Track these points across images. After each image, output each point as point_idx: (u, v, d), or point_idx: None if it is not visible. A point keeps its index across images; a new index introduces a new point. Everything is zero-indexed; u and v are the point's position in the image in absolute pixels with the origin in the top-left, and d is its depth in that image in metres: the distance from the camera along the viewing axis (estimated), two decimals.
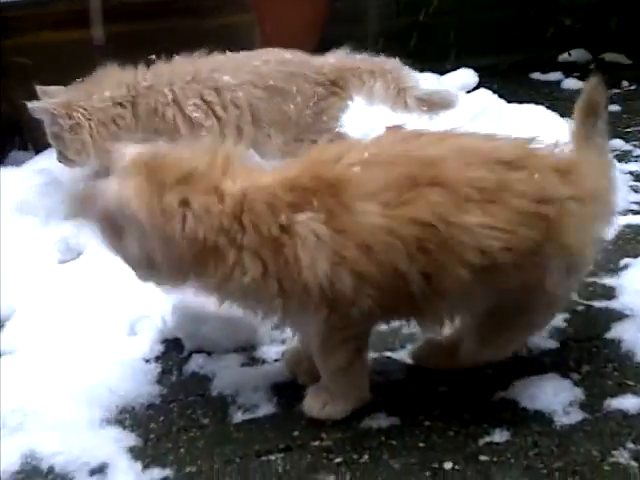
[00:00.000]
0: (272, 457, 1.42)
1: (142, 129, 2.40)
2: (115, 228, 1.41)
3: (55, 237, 2.33)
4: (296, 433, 1.47)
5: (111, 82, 2.41)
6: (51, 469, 1.42)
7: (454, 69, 3.44)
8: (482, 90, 3.07)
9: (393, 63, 2.47)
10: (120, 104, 2.40)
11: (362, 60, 2.48)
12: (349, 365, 1.47)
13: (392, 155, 1.41)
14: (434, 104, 2.43)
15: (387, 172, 1.38)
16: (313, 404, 1.50)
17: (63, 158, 2.45)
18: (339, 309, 1.38)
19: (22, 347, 1.81)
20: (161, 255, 1.39)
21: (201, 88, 2.40)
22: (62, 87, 2.45)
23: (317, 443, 1.45)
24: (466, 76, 3.30)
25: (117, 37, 2.73)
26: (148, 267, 1.42)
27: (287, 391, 1.59)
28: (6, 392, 1.59)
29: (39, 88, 2.44)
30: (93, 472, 1.41)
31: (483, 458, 1.38)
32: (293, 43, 2.61)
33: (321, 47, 2.73)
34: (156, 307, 1.84)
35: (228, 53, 2.50)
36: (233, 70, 2.45)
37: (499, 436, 1.43)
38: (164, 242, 1.38)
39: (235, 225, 1.39)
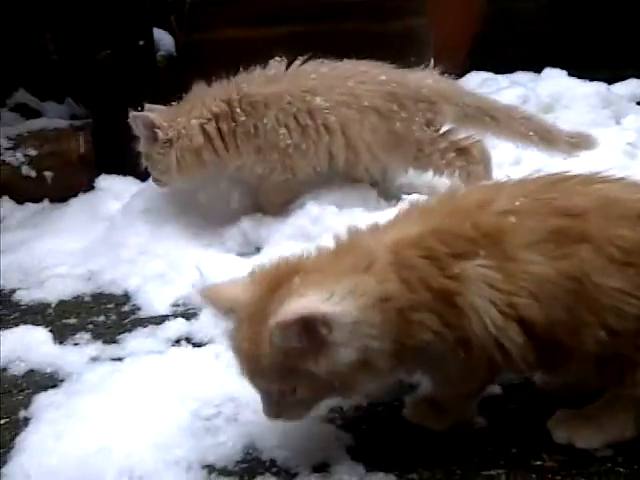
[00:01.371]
0: (493, 472, 1.42)
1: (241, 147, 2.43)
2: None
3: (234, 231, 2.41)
4: (514, 450, 1.46)
5: (209, 101, 2.42)
6: (273, 462, 1.45)
7: (617, 78, 3.33)
8: None
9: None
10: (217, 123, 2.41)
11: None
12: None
13: (540, 203, 1.38)
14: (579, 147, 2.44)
15: (540, 223, 1.35)
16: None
17: (153, 178, 2.49)
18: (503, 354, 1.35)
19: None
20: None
21: (296, 111, 2.41)
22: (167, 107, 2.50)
23: (539, 463, 1.43)
24: (637, 86, 3.20)
25: (291, 37, 2.78)
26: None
27: (496, 405, 1.58)
28: (220, 380, 1.63)
29: (147, 106, 2.51)
30: (316, 469, 1.43)
31: None
32: (458, 46, 2.60)
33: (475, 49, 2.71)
34: None
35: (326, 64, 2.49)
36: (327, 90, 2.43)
37: None
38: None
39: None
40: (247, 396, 1.59)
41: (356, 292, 1.27)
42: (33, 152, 2.91)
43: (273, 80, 2.45)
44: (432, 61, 2.68)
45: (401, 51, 2.55)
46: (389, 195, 2.55)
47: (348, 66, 2.49)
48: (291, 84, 2.43)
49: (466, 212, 1.39)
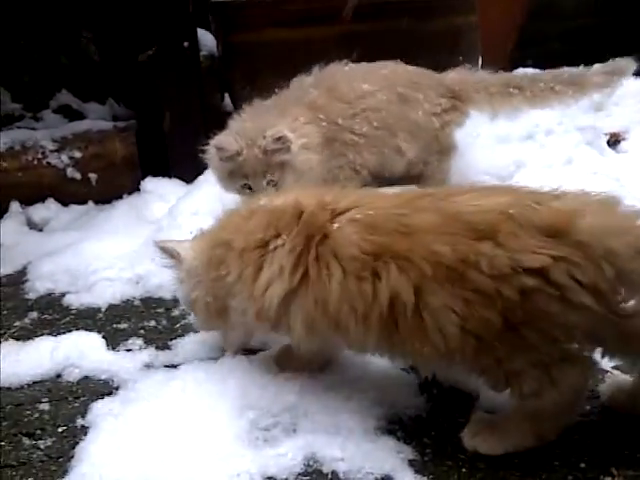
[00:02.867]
0: None
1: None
2: None
3: None
4: (583, 465, 1.42)
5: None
6: (335, 474, 1.42)
7: None
8: None
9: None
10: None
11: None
12: None
13: (387, 218, 1.43)
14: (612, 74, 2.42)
15: (363, 239, 1.41)
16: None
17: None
18: None
19: None
20: None
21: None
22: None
23: (608, 478, 1.39)
24: None
25: (338, 37, 2.75)
26: None
27: None
28: (277, 390, 1.61)
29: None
30: None
31: None
32: (504, 40, 2.55)
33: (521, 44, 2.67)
34: None
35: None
36: (367, 78, 2.44)
37: None
38: None
39: None
40: (305, 406, 1.58)
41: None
42: (78, 154, 2.91)
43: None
44: (480, 59, 2.63)
45: (449, 50, 2.50)
46: None
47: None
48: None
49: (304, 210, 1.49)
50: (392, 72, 2.45)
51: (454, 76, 2.50)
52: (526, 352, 1.34)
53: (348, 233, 1.42)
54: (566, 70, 2.43)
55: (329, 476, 1.42)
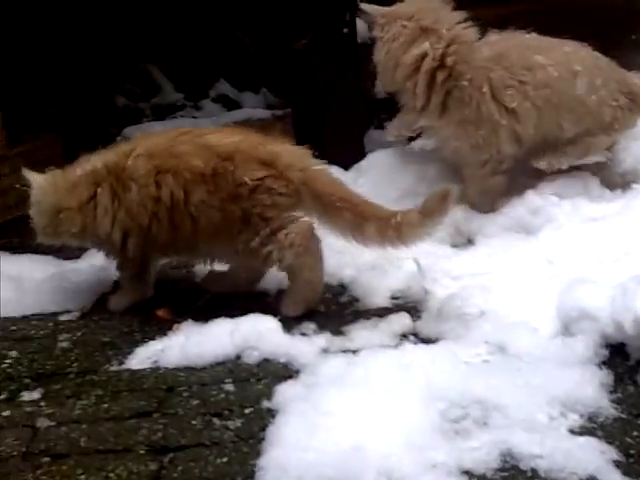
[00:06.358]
0: None
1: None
2: None
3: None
4: None
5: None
6: (535, 472, 1.36)
7: None
8: None
9: None
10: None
11: None
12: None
13: (161, 150, 2.10)
14: None
15: (148, 163, 2.09)
16: None
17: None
18: None
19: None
20: None
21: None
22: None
23: None
24: None
25: (510, 17, 2.64)
26: None
27: None
28: (462, 380, 1.57)
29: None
30: None
31: None
32: None
33: None
34: (596, 307, 1.73)
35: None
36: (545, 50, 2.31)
37: None
38: None
39: None
40: (494, 399, 1.53)
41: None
42: None
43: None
44: None
45: (624, 28, 2.36)
46: (612, 183, 2.37)
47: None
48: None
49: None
50: (574, 51, 2.32)
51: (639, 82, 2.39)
52: (258, 232, 2.01)
53: (136, 163, 2.08)
54: None
55: (528, 473, 1.36)
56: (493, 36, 2.35)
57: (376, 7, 2.46)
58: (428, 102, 2.35)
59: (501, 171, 2.34)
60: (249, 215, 2.02)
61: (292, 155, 2.08)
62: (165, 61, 3.49)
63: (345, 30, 2.76)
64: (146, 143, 2.15)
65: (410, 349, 1.71)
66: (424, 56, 2.33)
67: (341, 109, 2.88)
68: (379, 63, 2.43)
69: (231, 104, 3.30)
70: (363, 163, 2.63)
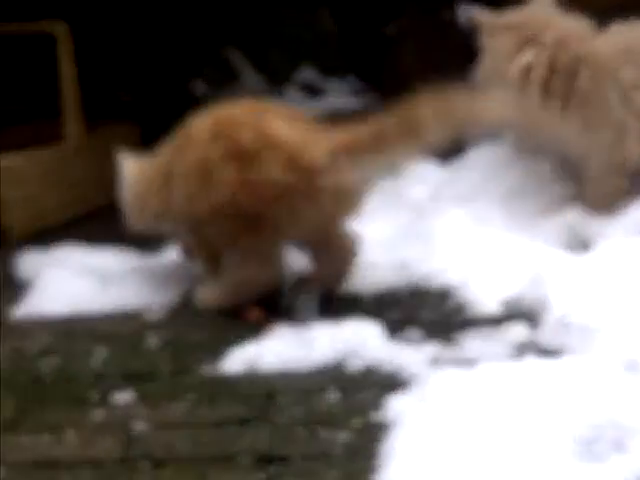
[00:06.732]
0: None
1: None
2: None
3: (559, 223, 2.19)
4: None
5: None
6: None
7: None
8: None
9: None
10: None
11: None
12: None
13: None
14: None
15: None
16: None
17: None
18: None
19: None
20: None
21: None
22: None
23: None
24: None
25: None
26: None
27: None
28: (594, 399, 1.43)
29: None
30: None
31: None
32: None
33: None
34: None
35: None
36: None
37: None
38: None
39: None
40: (629, 420, 1.38)
41: None
42: None
43: None
44: None
45: None
46: None
47: None
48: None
49: None
50: None
51: None
52: None
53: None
54: None
55: None
56: (614, 28, 2.21)
57: (485, 14, 2.35)
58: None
59: (626, 173, 2.19)
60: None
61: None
62: (245, 46, 3.40)
63: (446, 16, 2.63)
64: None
65: (532, 362, 1.58)
66: (530, 67, 2.23)
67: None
68: (484, 74, 2.32)
69: (315, 91, 3.19)
70: (465, 158, 2.49)
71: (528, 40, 2.25)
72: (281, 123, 1.88)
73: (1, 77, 3.19)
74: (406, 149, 1.87)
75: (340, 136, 1.88)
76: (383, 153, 1.84)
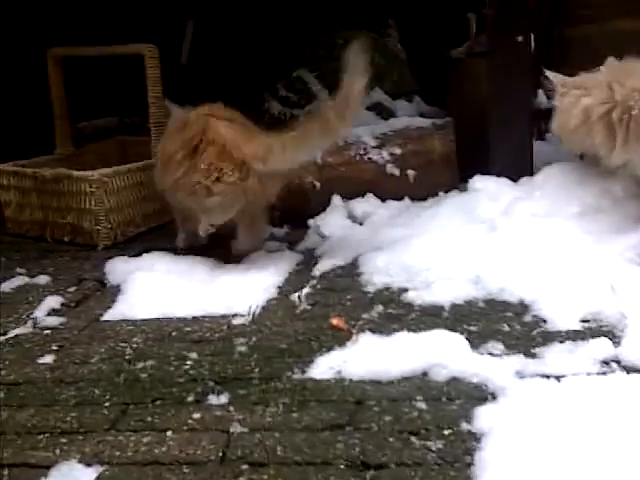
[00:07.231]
0: None
1: None
2: None
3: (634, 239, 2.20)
4: None
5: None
6: None
7: None
8: None
9: None
10: None
11: None
12: None
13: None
14: None
15: None
16: None
17: None
18: None
19: None
20: None
21: None
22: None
23: None
24: None
25: None
26: None
27: None
28: None
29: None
30: None
31: None
32: None
33: None
34: None
35: None
36: None
37: None
38: None
39: None
40: None
41: None
42: (398, 151, 2.91)
43: None
44: None
45: None
46: None
47: None
48: None
49: None
50: None
51: None
52: None
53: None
54: None
55: None
56: None
57: (559, 76, 2.41)
58: (613, 145, 2.26)
59: None
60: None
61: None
62: (319, 68, 3.49)
63: (519, 38, 2.66)
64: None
65: (620, 378, 1.60)
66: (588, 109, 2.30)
67: (508, 120, 2.77)
68: (557, 130, 2.42)
69: (384, 112, 3.25)
70: (538, 176, 2.52)
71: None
72: (220, 124, 2.37)
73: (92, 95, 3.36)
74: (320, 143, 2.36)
75: (273, 135, 2.36)
76: (302, 147, 2.31)
